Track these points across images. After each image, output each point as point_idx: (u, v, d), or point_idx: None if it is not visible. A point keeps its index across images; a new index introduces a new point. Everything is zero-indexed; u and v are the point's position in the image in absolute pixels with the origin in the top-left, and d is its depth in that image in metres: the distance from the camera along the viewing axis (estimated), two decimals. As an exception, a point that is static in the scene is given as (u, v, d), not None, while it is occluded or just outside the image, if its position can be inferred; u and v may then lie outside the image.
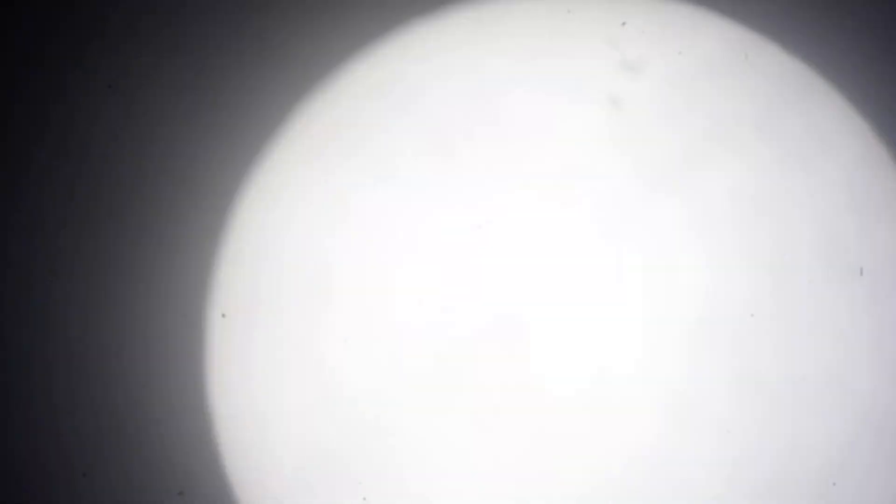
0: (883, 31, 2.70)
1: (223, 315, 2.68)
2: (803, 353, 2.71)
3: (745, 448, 2.68)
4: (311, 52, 2.66)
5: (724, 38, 2.69)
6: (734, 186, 2.70)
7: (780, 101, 2.71)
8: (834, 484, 2.68)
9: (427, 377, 2.70)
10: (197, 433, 2.71)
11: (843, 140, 2.70)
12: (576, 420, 2.71)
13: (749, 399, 2.70)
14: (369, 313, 2.69)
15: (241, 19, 2.61)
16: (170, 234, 2.68)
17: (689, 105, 2.69)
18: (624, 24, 2.67)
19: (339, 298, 2.69)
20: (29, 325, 2.69)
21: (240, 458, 2.72)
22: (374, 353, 2.69)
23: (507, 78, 2.66)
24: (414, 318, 2.68)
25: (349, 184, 2.67)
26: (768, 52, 2.71)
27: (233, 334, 2.69)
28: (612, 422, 2.68)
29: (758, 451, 2.68)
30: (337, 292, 2.69)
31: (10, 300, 2.69)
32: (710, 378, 2.71)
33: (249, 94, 2.66)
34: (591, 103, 2.66)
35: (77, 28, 2.65)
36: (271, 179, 2.69)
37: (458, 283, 2.68)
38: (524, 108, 2.67)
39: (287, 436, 2.71)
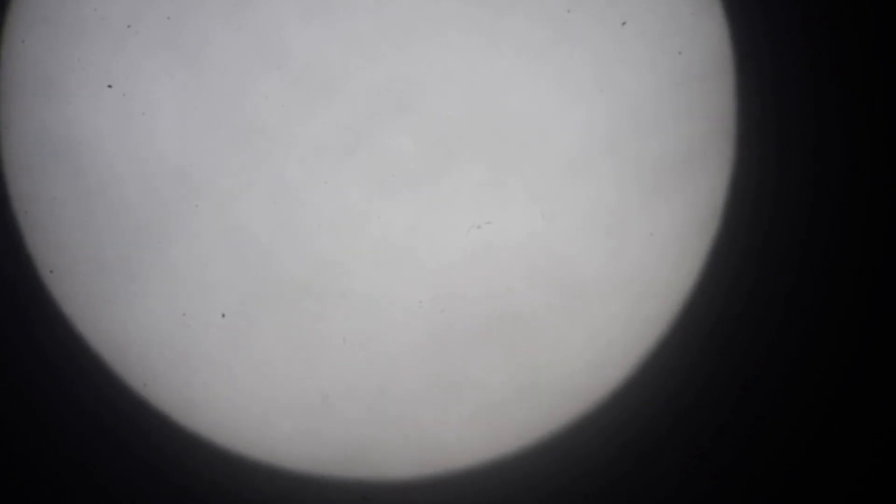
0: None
1: (223, 315, 2.68)
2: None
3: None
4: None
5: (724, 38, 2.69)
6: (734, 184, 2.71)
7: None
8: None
9: (424, 373, 2.70)
10: (196, 433, 2.71)
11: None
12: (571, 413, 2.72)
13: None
14: (369, 313, 2.69)
15: None
16: (170, 231, 2.68)
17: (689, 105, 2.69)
18: (624, 24, 2.67)
19: (338, 298, 2.69)
20: (26, 327, 2.69)
21: (240, 456, 2.72)
22: (374, 353, 2.69)
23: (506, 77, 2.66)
24: (414, 318, 2.69)
25: (350, 186, 2.67)
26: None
27: (233, 334, 2.69)
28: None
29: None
30: (336, 292, 2.69)
31: (9, 299, 2.69)
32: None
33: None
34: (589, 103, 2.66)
35: None
36: (270, 179, 2.69)
37: (457, 283, 2.68)
38: (523, 106, 2.67)
39: (288, 435, 2.72)
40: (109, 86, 2.66)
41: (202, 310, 2.69)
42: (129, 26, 2.64)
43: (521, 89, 2.66)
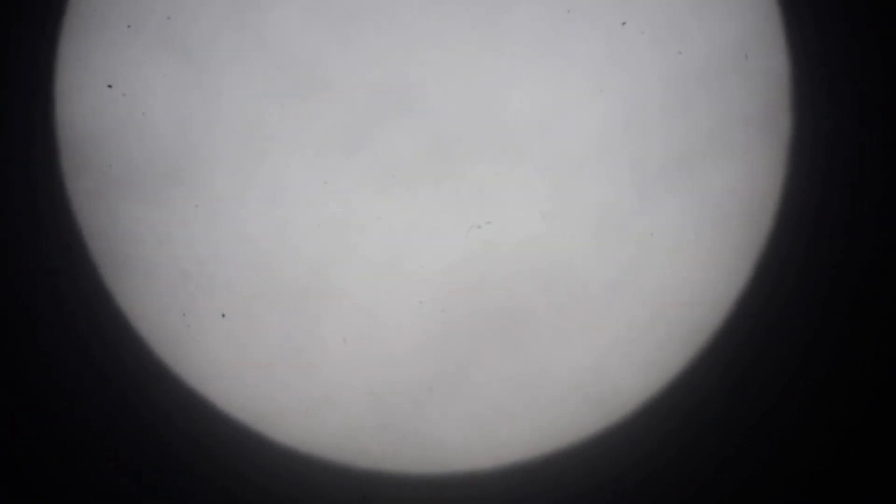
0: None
1: (223, 315, 2.68)
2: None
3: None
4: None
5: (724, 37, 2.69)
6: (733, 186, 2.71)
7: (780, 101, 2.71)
8: None
9: (424, 373, 2.71)
10: (196, 432, 2.72)
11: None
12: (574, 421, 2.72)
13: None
14: (369, 313, 2.69)
15: None
16: (169, 231, 2.68)
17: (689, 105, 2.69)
18: (624, 24, 2.67)
19: (338, 299, 2.69)
20: (24, 329, 2.69)
21: (241, 455, 2.73)
22: (375, 353, 2.70)
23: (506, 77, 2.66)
24: (414, 318, 2.69)
25: (350, 186, 2.68)
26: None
27: (233, 334, 2.69)
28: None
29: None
30: (336, 292, 2.69)
31: (12, 299, 2.69)
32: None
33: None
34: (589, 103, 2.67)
35: None
36: (270, 176, 2.69)
37: (457, 282, 2.69)
38: (523, 107, 2.67)
39: (288, 435, 2.72)
40: (109, 86, 2.66)
41: (202, 310, 2.69)
42: (129, 26, 2.65)
43: (520, 89, 2.67)
